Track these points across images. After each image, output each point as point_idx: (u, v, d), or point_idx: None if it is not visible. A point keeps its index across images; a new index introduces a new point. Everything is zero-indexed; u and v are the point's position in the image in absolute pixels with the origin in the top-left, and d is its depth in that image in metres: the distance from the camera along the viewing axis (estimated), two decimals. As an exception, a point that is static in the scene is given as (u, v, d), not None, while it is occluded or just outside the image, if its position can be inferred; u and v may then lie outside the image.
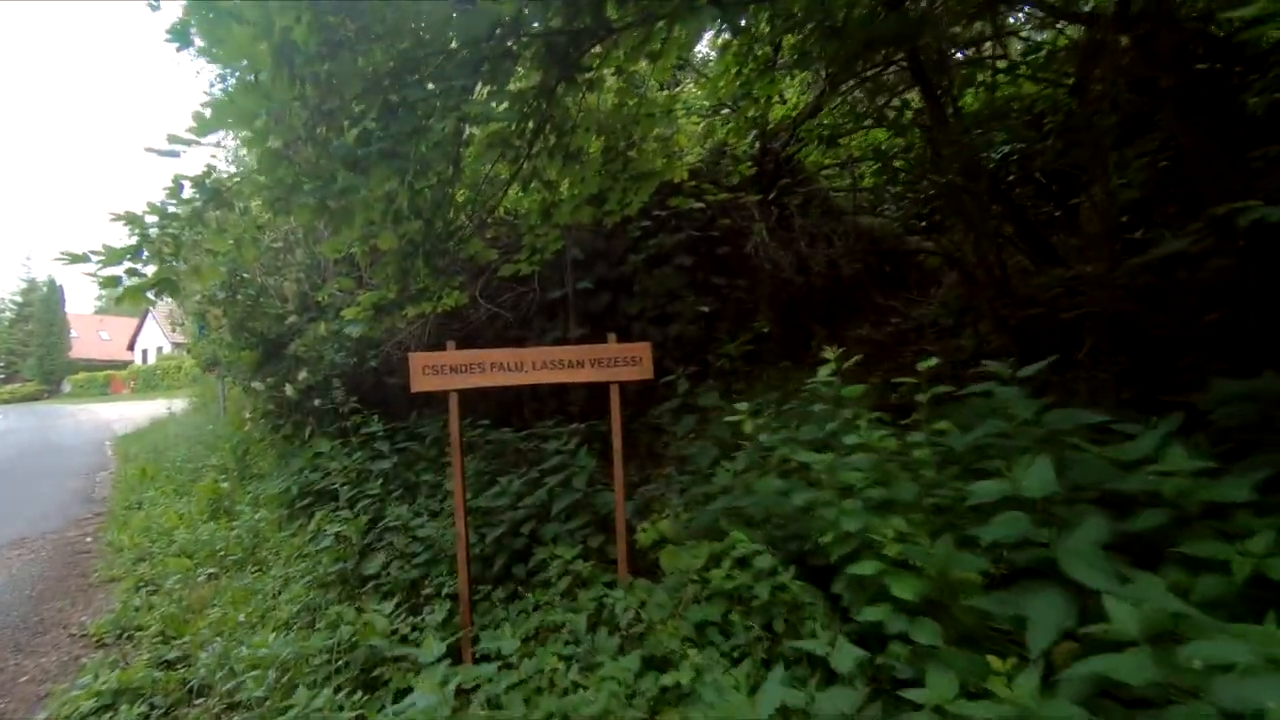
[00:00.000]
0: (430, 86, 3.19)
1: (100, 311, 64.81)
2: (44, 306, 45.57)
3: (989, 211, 4.21)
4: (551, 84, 3.81)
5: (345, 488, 4.57)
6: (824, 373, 3.09)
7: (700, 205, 7.26)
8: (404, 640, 3.24)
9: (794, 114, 7.37)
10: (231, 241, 3.66)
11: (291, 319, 5.57)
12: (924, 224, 7.75)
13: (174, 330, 10.45)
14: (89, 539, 7.11)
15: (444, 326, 6.23)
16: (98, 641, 4.25)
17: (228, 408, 12.39)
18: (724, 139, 7.71)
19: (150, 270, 3.45)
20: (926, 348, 6.44)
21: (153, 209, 3.41)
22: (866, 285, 7.21)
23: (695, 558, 2.97)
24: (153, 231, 3.41)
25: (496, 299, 6.06)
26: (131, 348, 51.78)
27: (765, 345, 6.34)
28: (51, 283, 46.72)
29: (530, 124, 4.24)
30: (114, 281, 3.40)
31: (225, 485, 7.96)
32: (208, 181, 3.42)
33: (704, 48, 11.32)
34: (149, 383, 36.74)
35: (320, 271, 5.74)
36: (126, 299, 3.47)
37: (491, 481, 4.37)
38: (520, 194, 4.93)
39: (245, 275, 5.63)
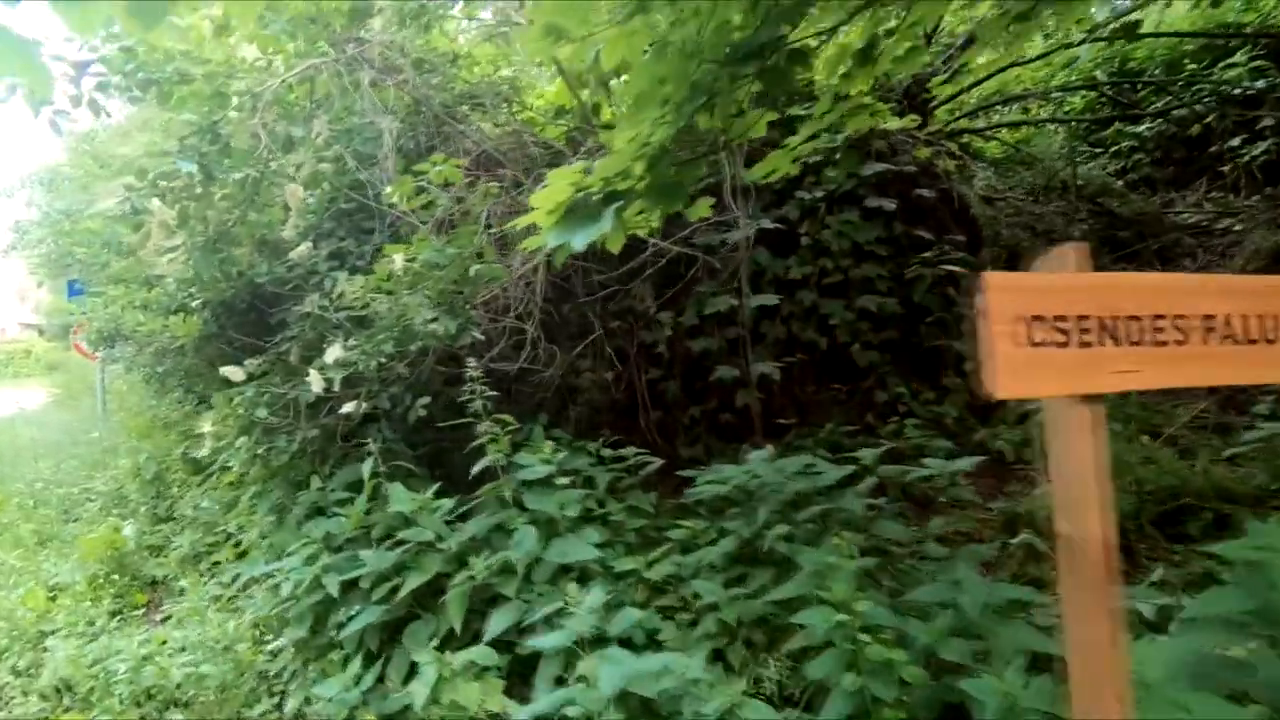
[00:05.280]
0: None
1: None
2: None
3: None
4: None
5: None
6: None
7: (887, 127, 5.09)
8: None
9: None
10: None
11: (300, 250, 2.84)
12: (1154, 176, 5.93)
13: (29, 294, 7.06)
14: None
15: (561, 279, 3.68)
16: None
17: (108, 403, 8.96)
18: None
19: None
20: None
21: None
22: (1097, 253, 5.28)
23: None
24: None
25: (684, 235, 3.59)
26: (-35, 327, 43.42)
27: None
28: None
29: None
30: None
31: (128, 532, 4.97)
32: None
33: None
34: (-12, 369, 30.46)
35: (364, 160, 2.87)
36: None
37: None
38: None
39: (232, 142, 2.65)
